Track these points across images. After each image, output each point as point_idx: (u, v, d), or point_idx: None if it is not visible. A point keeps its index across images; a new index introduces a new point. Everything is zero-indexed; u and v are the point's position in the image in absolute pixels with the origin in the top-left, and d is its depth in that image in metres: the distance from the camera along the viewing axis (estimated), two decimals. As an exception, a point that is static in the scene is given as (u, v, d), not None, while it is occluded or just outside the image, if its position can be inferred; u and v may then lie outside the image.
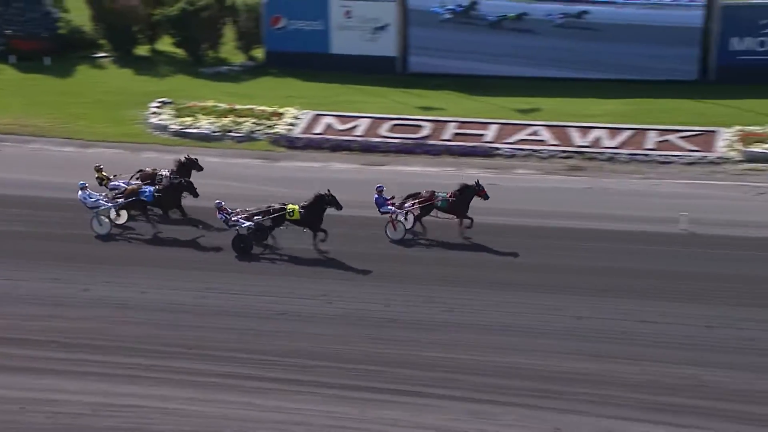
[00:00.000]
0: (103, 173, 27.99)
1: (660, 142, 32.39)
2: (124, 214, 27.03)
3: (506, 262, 24.93)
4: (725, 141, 32.03)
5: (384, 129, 34.61)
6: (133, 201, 26.53)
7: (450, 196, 26.23)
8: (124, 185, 27.12)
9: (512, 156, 32.63)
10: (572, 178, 30.84)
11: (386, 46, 39.52)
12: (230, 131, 34.94)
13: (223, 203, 25.62)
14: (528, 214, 27.57)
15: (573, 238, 26.02)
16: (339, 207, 25.56)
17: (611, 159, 31.91)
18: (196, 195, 26.81)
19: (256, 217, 25.52)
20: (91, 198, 26.33)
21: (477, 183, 26.52)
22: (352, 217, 26.56)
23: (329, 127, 35.03)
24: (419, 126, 34.62)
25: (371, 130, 34.61)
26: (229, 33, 41.84)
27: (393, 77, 38.99)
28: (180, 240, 26.43)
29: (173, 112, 35.87)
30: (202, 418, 18.75)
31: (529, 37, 37.71)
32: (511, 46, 38.00)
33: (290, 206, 25.53)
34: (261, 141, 34.65)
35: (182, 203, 27.18)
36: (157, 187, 26.68)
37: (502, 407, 18.74)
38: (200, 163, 28.43)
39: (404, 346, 21.05)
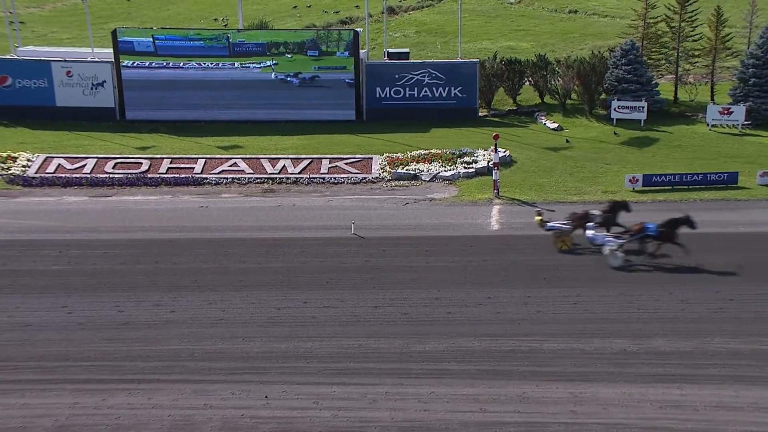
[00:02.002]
0: (541, 217, 26.70)
1: (331, 167, 33.46)
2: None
3: (217, 268, 24.54)
4: (378, 165, 33.61)
5: (109, 166, 33.19)
6: (641, 236, 25.04)
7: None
8: (560, 225, 26.03)
9: (218, 183, 32.40)
10: (267, 198, 31.08)
11: (106, 98, 37.95)
12: (-33, 174, 32.20)
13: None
14: (236, 228, 27.55)
15: (269, 245, 26.15)
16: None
17: (295, 182, 32.53)
18: (694, 227, 24.79)
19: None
20: (604, 237, 25.40)
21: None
22: (85, 241, 25.34)
23: (60, 167, 33.18)
24: (139, 163, 33.52)
25: (98, 168, 33.10)
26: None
27: (113, 124, 37.56)
28: None
29: None
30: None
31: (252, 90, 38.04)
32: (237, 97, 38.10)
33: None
34: (-2, 181, 32.27)
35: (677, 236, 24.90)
36: (660, 222, 25.06)
37: (220, 384, 18.63)
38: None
39: (135, 343, 20.34)
